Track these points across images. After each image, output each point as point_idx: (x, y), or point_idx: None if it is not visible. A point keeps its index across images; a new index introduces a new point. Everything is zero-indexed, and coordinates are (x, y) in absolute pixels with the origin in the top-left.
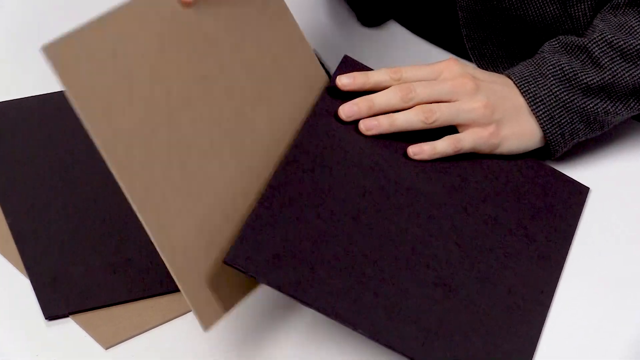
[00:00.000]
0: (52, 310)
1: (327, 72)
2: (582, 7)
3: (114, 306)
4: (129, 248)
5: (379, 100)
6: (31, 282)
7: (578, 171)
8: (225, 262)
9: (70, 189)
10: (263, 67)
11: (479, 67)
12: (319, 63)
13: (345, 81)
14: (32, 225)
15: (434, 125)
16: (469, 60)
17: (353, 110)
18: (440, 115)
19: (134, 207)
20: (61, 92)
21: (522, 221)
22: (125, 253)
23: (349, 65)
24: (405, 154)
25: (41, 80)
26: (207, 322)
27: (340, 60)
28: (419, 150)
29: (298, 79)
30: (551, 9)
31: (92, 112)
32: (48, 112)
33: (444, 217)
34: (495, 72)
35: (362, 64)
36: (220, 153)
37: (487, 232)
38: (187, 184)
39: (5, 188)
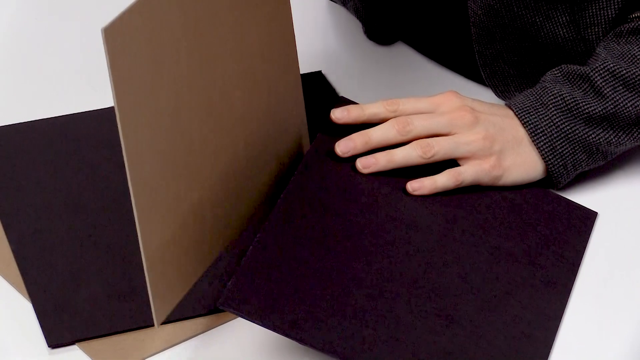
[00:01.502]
0: (56, 338)
1: (334, 92)
2: (596, 30)
3: (118, 334)
4: (134, 276)
5: (375, 134)
6: (35, 309)
7: (585, 196)
8: (218, 305)
9: (75, 215)
10: (250, 53)
11: (489, 85)
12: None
13: (339, 114)
14: (36, 252)
15: (432, 160)
16: (479, 80)
17: (349, 146)
18: (439, 149)
19: (131, 189)
20: (65, 116)
21: (527, 249)
22: (130, 281)
23: (345, 104)
24: (404, 190)
25: (42, 104)
26: (160, 318)
27: (339, 99)
28: (419, 186)
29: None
30: (564, 31)
31: (125, 98)
32: (52, 137)
33: (446, 250)
34: (506, 90)
35: (358, 104)
36: (204, 149)
37: (491, 262)
38: (175, 176)
39: (9, 213)
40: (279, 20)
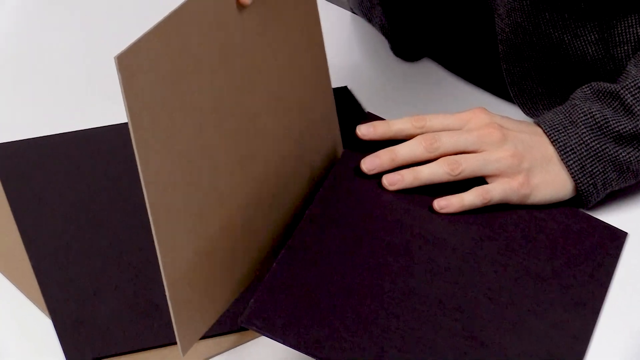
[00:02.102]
0: (76, 356)
1: (360, 107)
2: (625, 48)
3: (140, 352)
4: (156, 292)
5: (402, 151)
6: (54, 326)
7: (615, 215)
8: (240, 323)
9: (96, 230)
10: (281, 73)
11: (517, 103)
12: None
13: (365, 130)
14: (56, 267)
15: (460, 177)
16: (506, 97)
17: (375, 163)
18: (466, 166)
19: (150, 213)
20: (85, 130)
21: (556, 269)
22: (153, 297)
23: (372, 120)
24: (431, 208)
25: (63, 118)
26: (186, 347)
27: (366, 115)
28: (446, 204)
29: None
30: (593, 49)
31: (140, 124)
32: (72, 150)
33: (472, 269)
34: (534, 108)
35: (384, 120)
36: (232, 171)
37: (519, 282)
38: (200, 199)
39: (29, 229)
40: (310, 38)
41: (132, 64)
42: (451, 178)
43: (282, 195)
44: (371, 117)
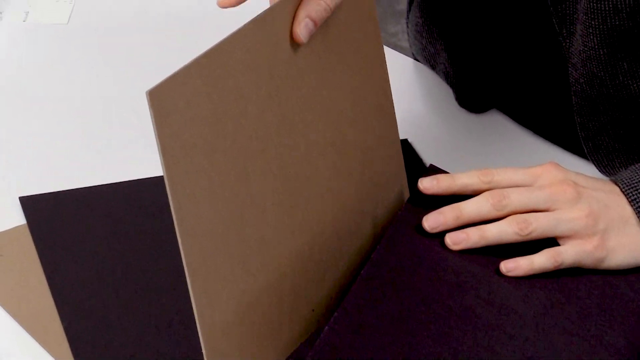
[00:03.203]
0: None
1: (421, 162)
2: None
3: None
4: (195, 357)
5: (467, 208)
6: None
7: None
8: None
9: (133, 291)
10: (340, 116)
11: (592, 160)
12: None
13: (427, 184)
14: (89, 330)
15: (530, 238)
16: (580, 153)
17: (438, 220)
18: (537, 226)
19: (185, 264)
20: (121, 182)
21: (632, 342)
22: None
23: (435, 174)
24: (497, 270)
25: (98, 171)
26: None
27: (428, 168)
28: (514, 267)
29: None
30: None
31: (175, 168)
32: (107, 204)
33: (541, 338)
34: (610, 165)
35: (448, 173)
36: (281, 221)
37: (591, 354)
38: (243, 250)
39: (61, 288)
40: (375, 80)
41: (166, 101)
42: (520, 238)
43: (339, 249)
44: (434, 171)
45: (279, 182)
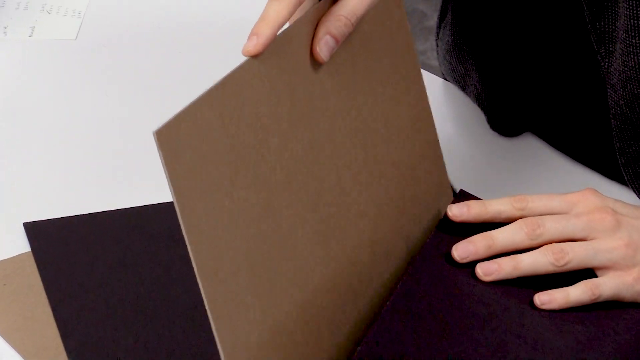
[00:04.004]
0: None
1: (451, 187)
2: None
3: None
4: None
5: (500, 237)
6: None
7: None
8: None
9: (142, 323)
10: (374, 136)
11: (632, 187)
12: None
13: (457, 211)
14: None
15: (566, 269)
16: (619, 179)
17: (468, 250)
18: (574, 256)
19: (208, 309)
20: (128, 209)
21: None
22: None
23: (465, 199)
24: (531, 302)
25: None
26: None
27: (458, 191)
28: (549, 299)
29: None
30: None
31: (190, 205)
32: (115, 232)
33: None
34: None
35: (480, 199)
36: (309, 250)
37: None
38: (273, 287)
39: (67, 321)
40: (409, 90)
41: (176, 139)
42: (556, 269)
43: (374, 273)
44: (464, 196)
45: (309, 213)
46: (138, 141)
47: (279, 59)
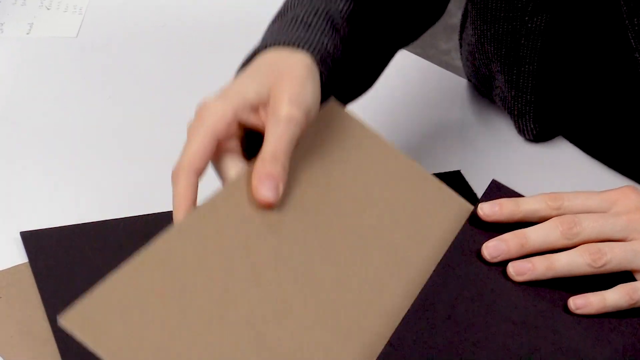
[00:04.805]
0: None
1: (475, 196)
2: None
3: None
4: None
5: (533, 235)
6: None
7: None
8: None
9: None
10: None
11: None
12: (453, 194)
13: (488, 210)
14: None
15: (603, 270)
16: None
17: (500, 249)
18: (612, 257)
19: None
20: (123, 219)
21: None
22: None
23: (498, 192)
24: (564, 306)
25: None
26: None
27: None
28: (584, 303)
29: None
30: None
31: None
32: (104, 242)
33: None
34: None
35: (514, 192)
36: None
37: None
38: None
39: (66, 336)
40: (384, 169)
41: (93, 320)
42: (592, 270)
43: None
44: (497, 188)
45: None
46: (141, 146)
47: (217, 223)
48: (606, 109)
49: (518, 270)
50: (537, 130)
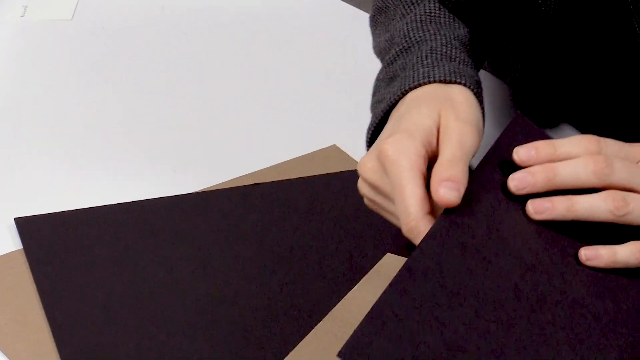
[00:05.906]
0: None
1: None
2: None
3: None
4: None
5: (563, 171)
6: None
7: None
8: (338, 355)
9: (140, 327)
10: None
11: None
12: None
13: (524, 155)
14: None
15: (623, 220)
16: None
17: (526, 180)
18: (634, 208)
19: None
20: (118, 204)
21: None
22: None
23: (522, 129)
24: (576, 256)
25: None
26: None
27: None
28: (594, 255)
29: None
30: None
31: None
32: (99, 228)
33: (614, 347)
34: None
35: (539, 129)
36: None
37: None
38: None
39: (62, 325)
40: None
41: None
42: (613, 218)
43: None
44: (523, 122)
45: None
46: (137, 131)
47: None
48: (610, 95)
49: (537, 208)
50: (542, 115)
